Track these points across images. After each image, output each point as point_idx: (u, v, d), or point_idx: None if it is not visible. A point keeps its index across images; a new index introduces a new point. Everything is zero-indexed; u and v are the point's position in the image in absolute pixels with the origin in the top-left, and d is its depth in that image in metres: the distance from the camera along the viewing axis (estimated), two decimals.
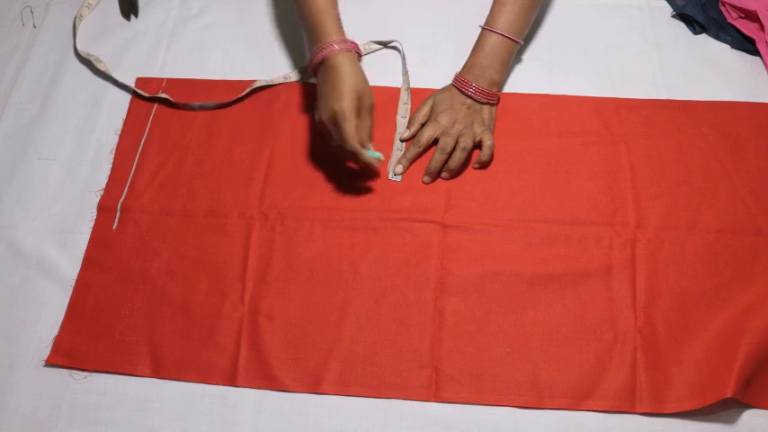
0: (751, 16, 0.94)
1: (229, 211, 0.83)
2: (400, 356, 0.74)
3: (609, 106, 0.89)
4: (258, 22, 0.99)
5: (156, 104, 0.91)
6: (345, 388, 0.72)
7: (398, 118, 0.89)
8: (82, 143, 0.89)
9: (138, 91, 0.91)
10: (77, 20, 0.98)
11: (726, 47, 0.95)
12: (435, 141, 0.85)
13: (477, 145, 0.84)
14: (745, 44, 0.94)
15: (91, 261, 0.80)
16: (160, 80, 0.93)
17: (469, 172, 0.85)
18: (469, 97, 0.85)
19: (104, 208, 0.83)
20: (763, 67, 0.92)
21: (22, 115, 0.92)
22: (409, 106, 0.89)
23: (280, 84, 0.92)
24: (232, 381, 0.73)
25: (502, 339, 0.74)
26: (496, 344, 0.74)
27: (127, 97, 0.92)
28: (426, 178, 0.84)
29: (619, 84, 0.91)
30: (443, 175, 0.84)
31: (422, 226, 0.81)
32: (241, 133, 0.88)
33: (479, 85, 0.84)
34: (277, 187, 0.84)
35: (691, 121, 0.88)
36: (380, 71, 0.92)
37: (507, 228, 0.81)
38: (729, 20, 0.95)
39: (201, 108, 0.90)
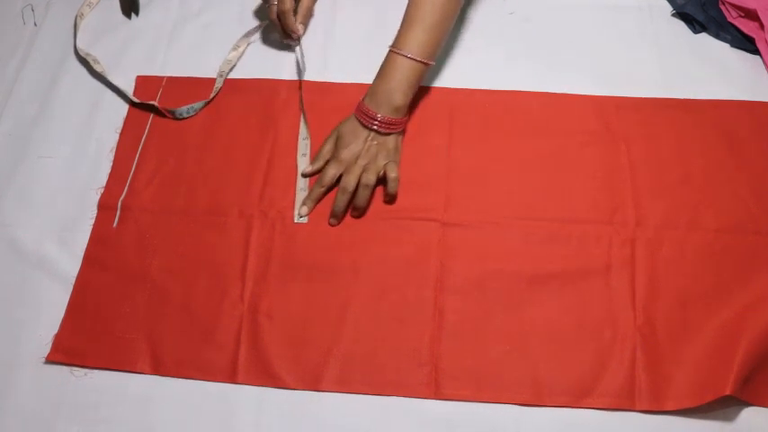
0: (751, 15, 0.94)
1: (229, 209, 0.82)
2: (400, 354, 0.74)
3: (609, 105, 0.89)
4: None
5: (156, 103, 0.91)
6: (345, 386, 0.72)
7: (299, 156, 0.85)
8: (82, 141, 0.89)
9: (132, 98, 0.90)
10: (78, 18, 0.98)
11: (726, 46, 0.95)
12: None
13: (383, 179, 0.81)
14: (745, 43, 0.94)
15: (91, 259, 0.80)
16: (160, 78, 0.93)
17: (469, 169, 0.85)
18: (372, 130, 0.82)
19: (104, 206, 0.83)
20: (763, 67, 0.92)
21: (22, 114, 0.91)
22: (309, 141, 0.86)
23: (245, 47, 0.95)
24: (232, 378, 0.73)
25: (501, 337, 0.74)
26: (496, 342, 0.74)
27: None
28: (333, 221, 0.81)
29: (619, 83, 0.91)
30: (353, 213, 0.81)
31: (421, 224, 0.81)
32: (241, 132, 0.88)
33: (384, 115, 0.81)
34: (277, 186, 0.84)
35: (691, 121, 0.88)
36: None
37: (507, 226, 0.81)
38: (729, 19, 0.95)
39: (189, 112, 0.89)
